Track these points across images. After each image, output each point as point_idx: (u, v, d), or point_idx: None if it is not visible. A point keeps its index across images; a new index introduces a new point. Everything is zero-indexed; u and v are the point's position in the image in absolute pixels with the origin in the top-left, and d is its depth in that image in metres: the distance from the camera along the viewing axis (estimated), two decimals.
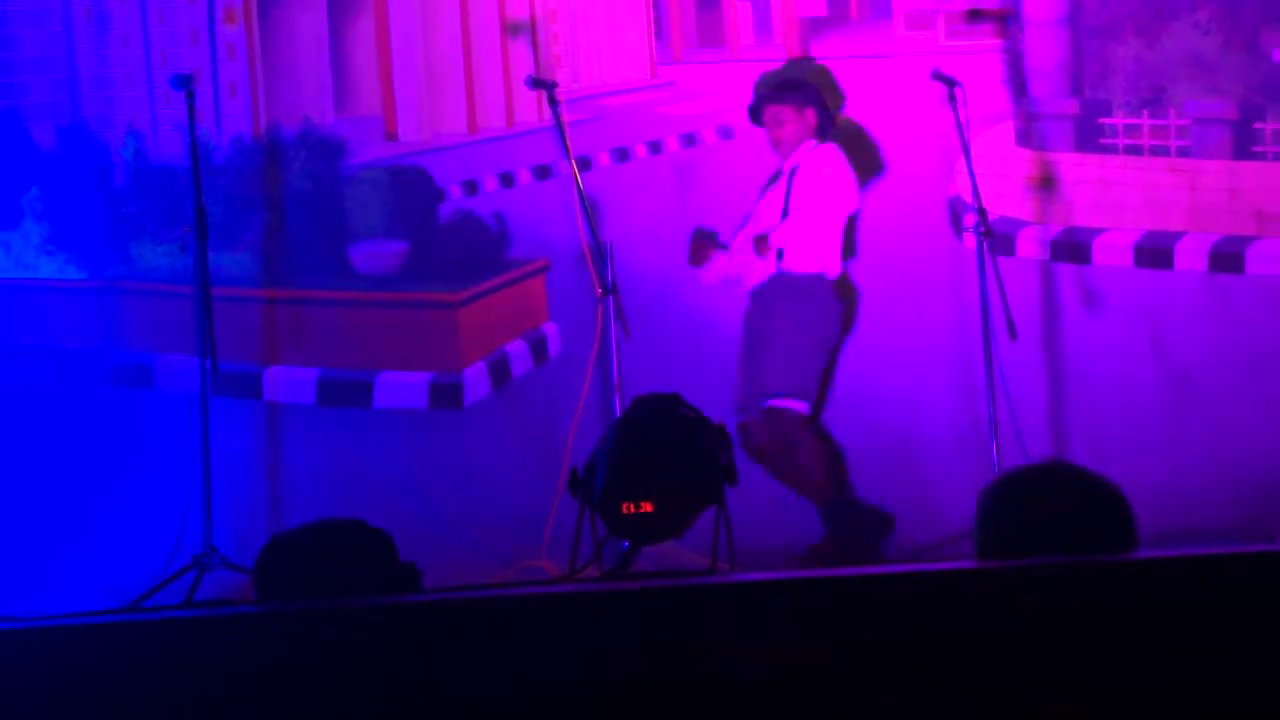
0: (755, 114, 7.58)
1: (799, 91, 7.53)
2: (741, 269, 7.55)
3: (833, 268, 7.51)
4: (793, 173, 7.48)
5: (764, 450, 7.37)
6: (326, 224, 8.42)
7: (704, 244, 7.61)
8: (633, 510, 6.79)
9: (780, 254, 7.42)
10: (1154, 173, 8.02)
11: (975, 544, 3.71)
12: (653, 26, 9.04)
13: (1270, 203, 7.88)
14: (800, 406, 7.33)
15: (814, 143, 7.52)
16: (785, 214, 7.47)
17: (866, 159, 7.92)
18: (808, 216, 7.38)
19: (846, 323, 7.62)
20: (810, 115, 7.53)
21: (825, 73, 7.75)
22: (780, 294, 7.44)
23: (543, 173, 8.57)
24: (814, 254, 7.44)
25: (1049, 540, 3.61)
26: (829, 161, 7.46)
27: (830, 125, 7.57)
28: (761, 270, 7.47)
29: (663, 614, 3.08)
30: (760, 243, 7.40)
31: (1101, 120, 8.10)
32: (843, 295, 7.58)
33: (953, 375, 7.89)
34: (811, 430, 7.37)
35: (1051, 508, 3.69)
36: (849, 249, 7.63)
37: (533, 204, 8.47)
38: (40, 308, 8.55)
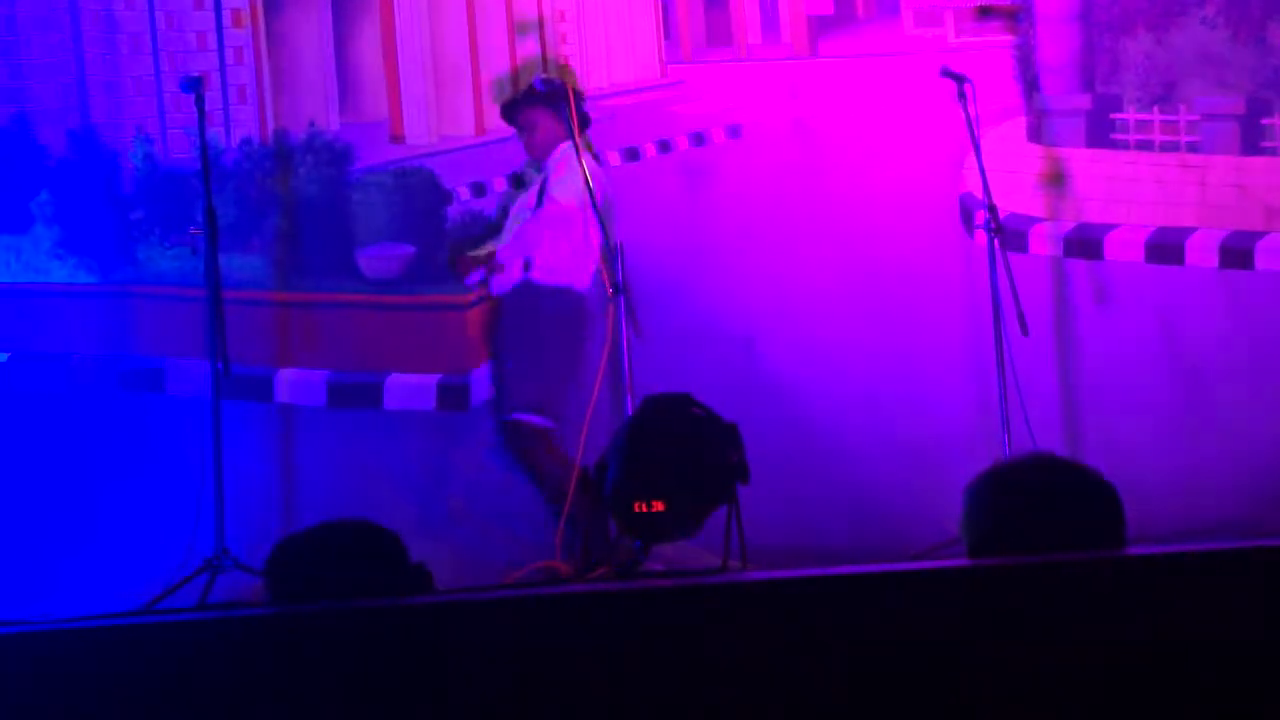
0: (509, 116, 7.52)
1: (548, 95, 7.45)
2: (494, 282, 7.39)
3: (581, 280, 7.40)
4: (544, 181, 7.36)
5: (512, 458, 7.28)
6: (335, 228, 8.43)
7: (460, 258, 7.50)
8: (644, 509, 6.79)
9: (528, 264, 7.28)
10: (1165, 168, 8.01)
11: (964, 540, 3.70)
12: (661, 26, 9.04)
13: (1278, 198, 7.88)
14: (538, 421, 7.22)
15: (567, 146, 7.40)
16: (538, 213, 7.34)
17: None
18: (537, 230, 7.23)
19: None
20: (560, 122, 7.41)
21: (569, 73, 7.72)
22: (525, 306, 7.31)
23: None
24: (561, 266, 7.33)
25: (1035, 533, 3.60)
26: (573, 172, 7.34)
27: (585, 124, 7.45)
28: (509, 279, 7.31)
29: (674, 614, 3.08)
30: (493, 265, 7.29)
31: (1113, 116, 8.10)
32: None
33: (965, 371, 7.89)
34: (546, 444, 7.23)
35: (1037, 502, 3.68)
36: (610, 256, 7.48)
37: None
38: (51, 312, 8.56)
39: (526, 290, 7.28)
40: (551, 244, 7.24)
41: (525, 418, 7.18)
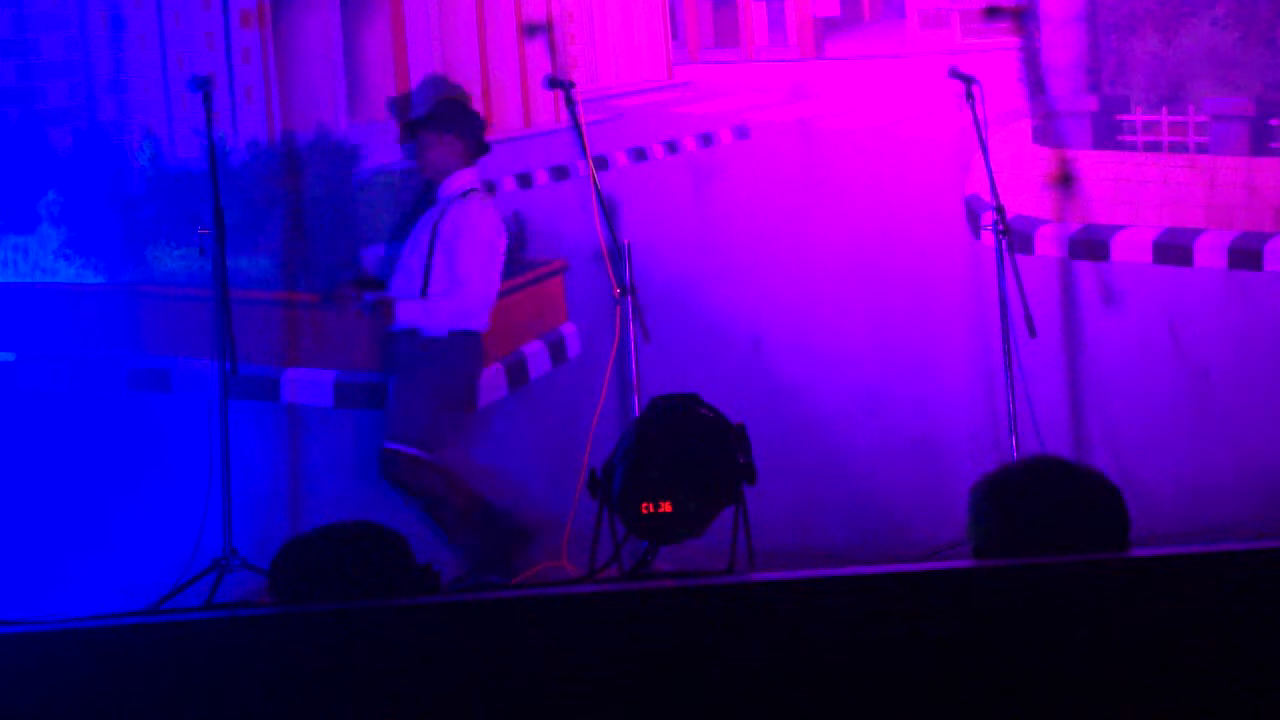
0: (408, 135, 7.53)
1: (438, 119, 7.44)
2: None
3: (480, 322, 7.35)
4: (440, 217, 7.33)
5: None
6: (343, 228, 8.43)
7: (339, 293, 7.47)
8: (651, 510, 6.79)
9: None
10: (1172, 169, 8.00)
11: (969, 543, 3.71)
12: (669, 27, 9.04)
13: None
14: (415, 452, 7.20)
15: (469, 177, 7.38)
16: (429, 263, 7.29)
17: None
18: (450, 296, 7.22)
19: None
20: (453, 141, 7.40)
21: (461, 93, 7.73)
22: (417, 345, 7.29)
23: (560, 173, 8.57)
24: (453, 313, 7.27)
25: (1039, 536, 3.60)
26: (472, 223, 7.30)
27: (479, 149, 7.44)
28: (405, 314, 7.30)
29: (682, 614, 3.08)
30: (388, 310, 7.27)
31: (1120, 117, 8.09)
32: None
33: (972, 374, 7.88)
34: (423, 470, 7.21)
35: (1042, 504, 3.68)
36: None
37: (550, 204, 8.46)
38: (58, 312, 8.56)
39: (419, 332, 7.28)
40: (452, 303, 7.24)
41: (402, 449, 7.18)
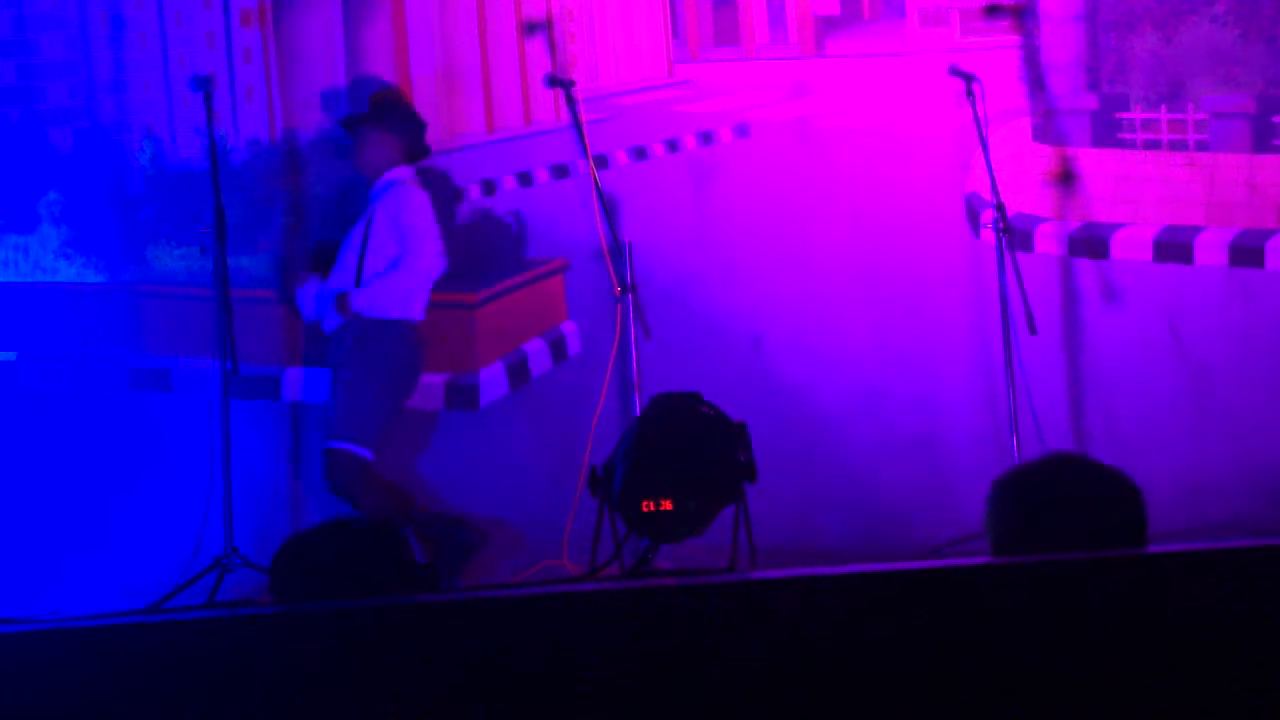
0: (347, 130, 7.53)
1: (383, 117, 7.43)
2: (324, 311, 7.38)
3: (416, 311, 7.35)
4: (375, 210, 7.33)
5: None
6: (343, 227, 8.43)
7: (292, 275, 7.48)
8: (652, 508, 6.79)
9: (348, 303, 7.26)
10: (1172, 167, 8.00)
11: (988, 538, 3.71)
12: (669, 25, 9.04)
13: None
14: (360, 451, 7.19)
15: (402, 172, 7.38)
16: (364, 251, 7.31)
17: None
18: (384, 277, 7.22)
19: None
20: (394, 141, 7.39)
21: (397, 93, 7.73)
22: (356, 338, 7.27)
23: (560, 171, 8.57)
24: (394, 301, 7.28)
25: (1060, 534, 3.60)
26: (410, 210, 7.30)
27: (418, 151, 7.42)
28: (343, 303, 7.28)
29: (682, 613, 3.08)
30: (341, 302, 7.27)
31: (1119, 115, 8.09)
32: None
33: (972, 371, 7.88)
34: (366, 474, 7.21)
35: (1062, 500, 3.68)
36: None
37: (551, 203, 8.47)
38: (58, 312, 8.57)
39: (358, 323, 7.26)
40: (387, 283, 7.23)
41: (345, 446, 7.16)
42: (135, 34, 8.70)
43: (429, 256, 7.32)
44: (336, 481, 7.18)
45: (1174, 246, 7.99)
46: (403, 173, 7.36)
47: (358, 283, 7.25)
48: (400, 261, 7.22)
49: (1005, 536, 3.65)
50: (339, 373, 7.29)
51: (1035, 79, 8.14)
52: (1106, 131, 8.10)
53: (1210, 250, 7.94)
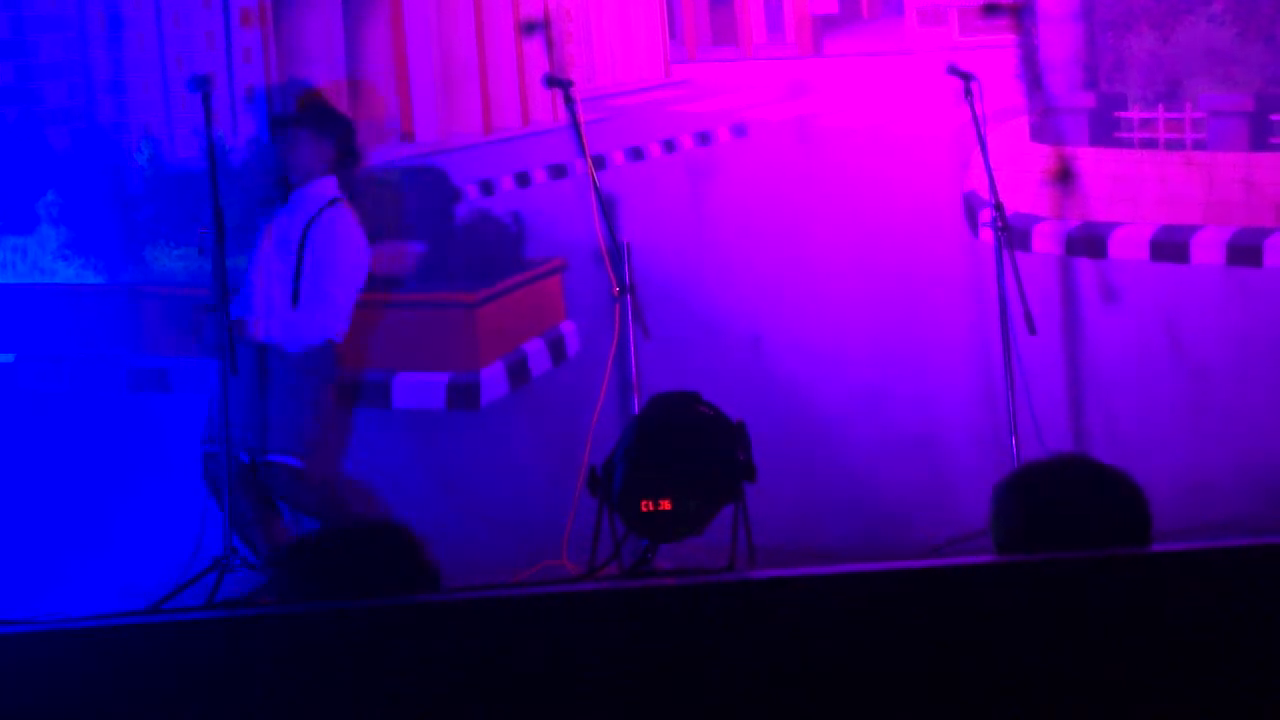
0: (277, 132, 7.49)
1: (319, 120, 7.39)
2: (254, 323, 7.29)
3: (339, 330, 7.28)
4: (308, 228, 7.20)
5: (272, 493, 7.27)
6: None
7: None
8: (651, 508, 6.79)
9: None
10: (1170, 166, 8.00)
11: (992, 538, 3.71)
12: (667, 25, 9.04)
13: None
14: (292, 461, 7.18)
15: (328, 186, 7.36)
16: (298, 271, 7.17)
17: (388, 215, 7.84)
18: (315, 301, 7.16)
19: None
20: (328, 145, 7.34)
21: (323, 97, 7.70)
22: (285, 359, 7.21)
23: (558, 172, 8.57)
24: (321, 325, 7.23)
25: (1064, 534, 3.61)
26: (342, 233, 7.23)
27: (348, 157, 7.38)
28: (266, 328, 7.28)
29: (682, 612, 3.08)
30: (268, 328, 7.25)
31: (1117, 114, 8.09)
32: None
33: (971, 371, 7.89)
34: (304, 481, 7.21)
35: (1066, 501, 3.69)
36: None
37: (549, 203, 8.47)
38: (58, 312, 8.57)
39: (283, 350, 7.23)
40: (323, 310, 7.21)
41: (281, 459, 7.16)
42: (134, 34, 8.70)
43: (361, 279, 7.31)
44: (275, 490, 7.20)
45: (1172, 245, 7.99)
46: (329, 187, 7.28)
47: (295, 300, 7.19)
48: (331, 292, 7.18)
49: (1009, 538, 3.66)
50: (270, 387, 7.22)
51: (1033, 78, 8.14)
52: (1104, 130, 8.10)
53: (1208, 249, 7.94)
